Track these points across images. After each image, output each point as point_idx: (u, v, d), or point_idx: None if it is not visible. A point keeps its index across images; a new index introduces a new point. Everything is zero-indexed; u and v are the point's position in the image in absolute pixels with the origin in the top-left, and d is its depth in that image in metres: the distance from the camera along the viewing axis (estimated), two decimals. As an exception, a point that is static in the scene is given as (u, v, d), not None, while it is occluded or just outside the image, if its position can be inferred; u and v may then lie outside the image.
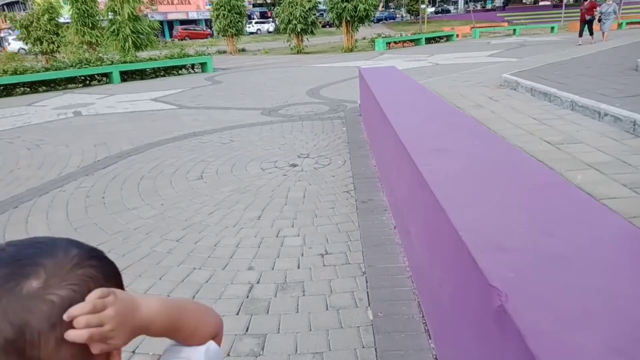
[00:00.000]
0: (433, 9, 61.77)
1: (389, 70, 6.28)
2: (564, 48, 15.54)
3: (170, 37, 48.15)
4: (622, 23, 25.58)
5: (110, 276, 0.55)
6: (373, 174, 4.23)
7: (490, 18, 40.77)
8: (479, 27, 29.54)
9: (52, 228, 3.50)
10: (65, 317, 0.48)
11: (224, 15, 25.22)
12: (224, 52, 27.38)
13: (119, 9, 17.17)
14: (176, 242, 3.12)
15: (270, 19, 49.38)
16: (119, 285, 0.56)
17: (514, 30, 28.48)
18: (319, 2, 24.86)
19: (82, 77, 14.10)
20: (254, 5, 58.54)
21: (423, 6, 35.68)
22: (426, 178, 1.84)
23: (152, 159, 5.34)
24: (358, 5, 21.74)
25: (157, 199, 4.01)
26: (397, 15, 62.18)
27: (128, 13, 17.07)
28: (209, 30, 47.65)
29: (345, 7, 21.81)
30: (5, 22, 24.27)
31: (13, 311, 0.47)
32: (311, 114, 7.47)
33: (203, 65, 16.52)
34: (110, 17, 17.71)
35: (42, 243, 0.53)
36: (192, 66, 16.60)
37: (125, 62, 15.01)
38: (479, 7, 59.28)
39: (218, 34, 27.65)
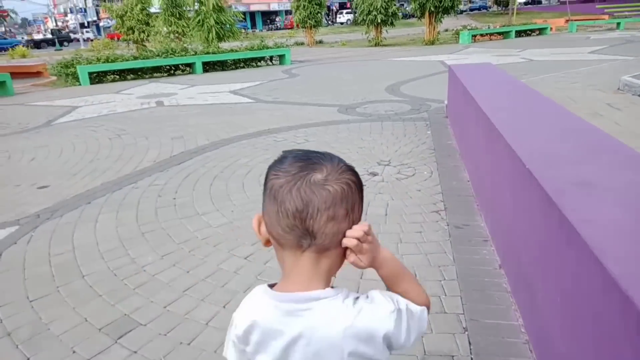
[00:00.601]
0: (523, 0, 57.73)
1: (486, 67, 5.58)
2: (684, 45, 13.54)
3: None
4: None
5: (361, 185, 0.83)
6: (466, 191, 3.67)
7: (588, 10, 37.29)
8: (576, 20, 27.04)
9: (119, 231, 3.36)
10: (348, 233, 0.78)
11: (304, 6, 25.13)
12: (302, 43, 27.34)
13: (205, -1, 17.58)
14: (244, 261, 2.81)
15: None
16: (362, 193, 0.83)
17: (618, 23, 25.70)
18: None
19: (167, 67, 14.56)
20: (333, -4, 58.34)
21: (514, -4, 33.34)
22: (581, 233, 1.33)
23: (226, 157, 5.14)
24: (444, -6, 20.58)
25: (227, 205, 3.75)
26: (490, 6, 58.69)
27: (213, 4, 17.41)
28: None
29: (430, -4, 20.73)
30: (105, 12, 25.97)
31: (304, 191, 0.75)
32: (391, 113, 6.95)
33: (281, 57, 16.46)
34: (196, 7, 18.21)
35: (324, 153, 0.82)
36: (271, 58, 16.60)
37: (207, 52, 15.33)
38: (575, -3, 54.36)
39: (297, 25, 27.65)
